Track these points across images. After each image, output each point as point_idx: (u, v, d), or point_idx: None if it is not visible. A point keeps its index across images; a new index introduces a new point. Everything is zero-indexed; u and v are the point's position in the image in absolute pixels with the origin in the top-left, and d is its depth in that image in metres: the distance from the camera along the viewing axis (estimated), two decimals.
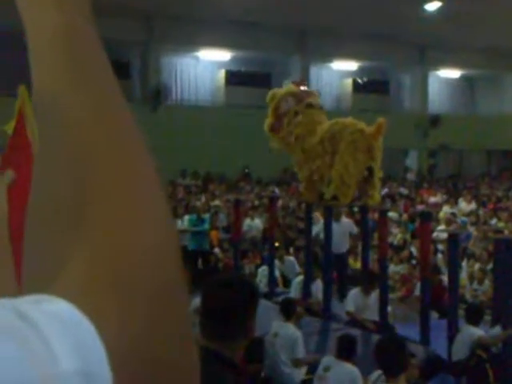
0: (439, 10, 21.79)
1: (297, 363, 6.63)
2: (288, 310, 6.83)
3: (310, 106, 8.60)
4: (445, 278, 9.66)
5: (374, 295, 8.68)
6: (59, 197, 0.50)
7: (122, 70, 20.82)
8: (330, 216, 9.49)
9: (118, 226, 0.49)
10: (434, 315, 8.80)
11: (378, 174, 8.35)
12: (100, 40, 0.57)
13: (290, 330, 6.68)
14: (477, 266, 11.39)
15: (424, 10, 22.12)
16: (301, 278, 9.67)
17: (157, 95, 21.47)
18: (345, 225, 10.62)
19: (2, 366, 0.38)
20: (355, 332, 7.72)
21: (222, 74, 24.81)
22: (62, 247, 0.48)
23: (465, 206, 17.63)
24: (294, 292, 9.36)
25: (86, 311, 0.43)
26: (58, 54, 0.54)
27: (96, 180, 0.50)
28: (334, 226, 9.57)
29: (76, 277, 0.46)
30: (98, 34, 0.57)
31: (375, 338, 8.02)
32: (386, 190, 19.61)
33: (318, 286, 9.27)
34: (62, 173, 0.51)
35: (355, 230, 10.74)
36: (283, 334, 6.63)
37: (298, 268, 10.87)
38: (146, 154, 0.53)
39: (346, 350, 5.91)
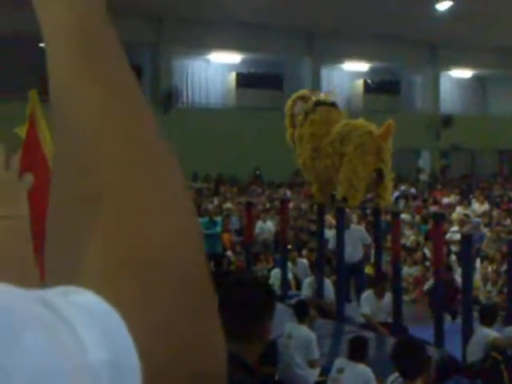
0: (450, 9, 21.72)
1: (312, 364, 6.62)
2: (302, 312, 6.83)
3: (318, 103, 8.56)
4: (458, 279, 9.62)
5: (387, 297, 8.65)
6: (76, 190, 0.50)
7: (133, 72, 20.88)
8: (342, 218, 9.47)
9: (140, 215, 0.49)
10: (448, 317, 8.76)
11: (389, 175, 8.32)
12: (118, 40, 0.57)
13: (304, 331, 6.68)
14: (490, 267, 11.33)
15: (435, 10, 22.05)
16: (311, 278, 9.68)
17: (168, 98, 21.53)
18: (355, 232, 10.33)
19: (31, 356, 0.38)
20: (369, 334, 7.70)
21: (232, 76, 24.84)
22: (82, 239, 0.48)
23: (478, 206, 17.54)
24: (305, 292, 9.37)
25: (111, 301, 0.43)
26: (73, 53, 0.54)
27: (112, 170, 0.50)
28: (344, 233, 9.38)
29: (98, 268, 0.47)
30: (115, 35, 0.57)
31: (389, 340, 8.01)
32: (397, 193, 19.56)
33: (328, 286, 9.29)
34: (78, 167, 0.51)
35: (367, 238, 10.37)
36: (297, 336, 6.62)
37: (309, 270, 10.85)
38: (165, 148, 0.54)
39: (359, 352, 5.91)
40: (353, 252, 9.89)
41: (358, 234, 10.36)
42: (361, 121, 8.51)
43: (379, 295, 8.68)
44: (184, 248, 0.49)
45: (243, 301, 2.37)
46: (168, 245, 0.49)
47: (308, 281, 9.72)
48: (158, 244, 0.48)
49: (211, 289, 0.51)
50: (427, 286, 10.33)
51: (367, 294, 8.83)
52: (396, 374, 5.02)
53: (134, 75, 0.57)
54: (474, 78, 29.59)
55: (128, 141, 0.52)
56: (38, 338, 0.39)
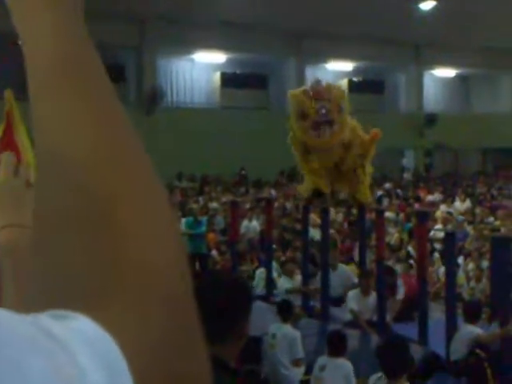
0: (433, 9, 21.86)
1: (296, 363, 6.63)
2: (286, 312, 6.84)
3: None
4: (442, 277, 9.69)
5: (373, 296, 8.69)
6: (66, 207, 0.50)
7: (117, 73, 20.82)
8: (327, 216, 9.53)
9: (135, 240, 0.49)
10: (433, 314, 8.80)
11: (368, 169, 8.36)
12: (100, 62, 0.56)
13: (289, 330, 6.70)
14: (472, 264, 11.42)
15: (418, 10, 22.18)
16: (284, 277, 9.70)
17: (152, 98, 21.47)
18: (342, 274, 9.76)
19: (31, 380, 0.39)
20: (354, 332, 7.73)
21: (217, 76, 24.83)
22: (73, 259, 0.48)
23: (460, 204, 17.67)
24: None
25: (105, 326, 0.44)
26: (58, 82, 0.53)
27: (106, 194, 0.50)
28: (331, 275, 9.09)
29: (92, 291, 0.47)
30: (97, 57, 0.56)
31: (374, 338, 8.05)
32: (380, 192, 19.65)
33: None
34: (68, 185, 0.51)
35: (354, 280, 9.59)
36: (282, 336, 6.64)
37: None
38: (151, 170, 0.54)
39: (337, 347, 5.96)
40: (340, 292, 9.42)
41: (345, 276, 9.80)
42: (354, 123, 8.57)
43: (365, 293, 8.72)
44: (175, 270, 0.50)
45: (219, 301, 2.37)
46: (161, 268, 0.49)
47: (284, 278, 9.74)
48: (152, 268, 0.49)
49: (195, 306, 0.52)
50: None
51: (353, 292, 8.86)
52: (379, 374, 5.05)
53: (110, 76, 0.56)
54: (458, 77, 29.78)
55: (121, 163, 0.52)
56: (36, 362, 0.40)
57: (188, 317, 0.50)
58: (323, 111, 7.50)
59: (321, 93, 7.64)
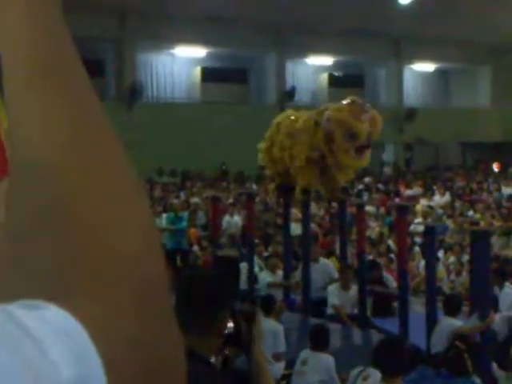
0: (412, 3, 21.95)
1: (276, 357, 6.63)
2: (267, 306, 6.85)
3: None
4: (422, 271, 9.77)
5: (353, 290, 8.74)
6: (41, 201, 0.50)
7: (96, 67, 20.67)
8: (308, 210, 9.57)
9: (102, 229, 0.49)
10: (413, 308, 8.88)
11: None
12: (78, 57, 0.56)
13: (271, 324, 6.70)
14: (453, 258, 11.51)
15: (397, 4, 22.26)
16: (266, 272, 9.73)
17: (132, 92, 21.35)
18: (324, 266, 9.85)
19: None
20: (336, 326, 7.78)
21: (197, 70, 24.76)
22: (44, 251, 0.48)
23: (439, 198, 17.80)
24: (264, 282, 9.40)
25: (76, 316, 0.44)
26: (35, 81, 0.53)
27: (79, 188, 0.50)
28: (312, 268, 9.18)
29: (62, 281, 0.47)
30: (75, 51, 0.55)
31: (356, 332, 8.10)
32: (360, 186, 19.75)
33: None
34: (38, 186, 0.50)
35: (335, 273, 9.68)
36: (264, 329, 6.62)
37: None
38: (128, 168, 0.53)
39: (320, 341, 5.99)
40: (320, 288, 9.39)
41: (326, 269, 9.87)
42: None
43: (345, 287, 8.77)
44: (146, 257, 0.50)
45: (200, 294, 2.38)
46: (132, 257, 0.49)
47: (265, 272, 9.76)
48: (123, 257, 0.49)
49: (170, 297, 0.52)
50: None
51: (334, 287, 8.91)
52: (361, 368, 5.07)
53: (89, 71, 0.56)
54: (437, 71, 29.95)
55: (96, 164, 0.52)
56: (6, 356, 0.39)
57: (160, 305, 0.49)
58: (369, 136, 7.57)
59: (367, 117, 7.64)
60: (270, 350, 6.56)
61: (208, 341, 2.37)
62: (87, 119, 0.53)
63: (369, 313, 8.84)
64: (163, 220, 12.09)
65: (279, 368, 6.70)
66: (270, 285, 9.18)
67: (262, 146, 9.01)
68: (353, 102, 7.86)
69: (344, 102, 7.88)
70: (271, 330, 6.62)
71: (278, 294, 8.63)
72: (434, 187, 19.65)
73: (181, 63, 24.35)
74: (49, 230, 0.49)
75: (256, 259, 10.51)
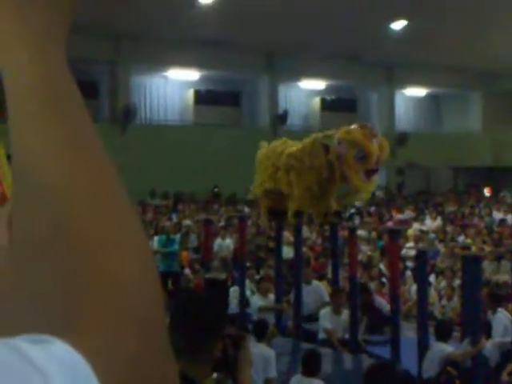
0: (405, 28, 22.18)
1: (268, 382, 6.59)
2: (260, 330, 6.81)
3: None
4: (414, 295, 9.75)
5: (345, 314, 8.72)
6: (39, 232, 0.50)
7: (90, 89, 20.75)
8: (300, 234, 9.57)
9: (103, 254, 0.50)
10: (405, 333, 8.85)
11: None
12: (74, 83, 0.57)
13: (263, 349, 6.65)
14: (444, 282, 11.51)
15: (390, 30, 22.49)
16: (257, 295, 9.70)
17: (126, 115, 21.40)
18: (316, 289, 9.95)
19: None
20: (327, 351, 7.74)
21: (190, 93, 24.87)
22: (45, 283, 0.49)
23: (430, 222, 17.84)
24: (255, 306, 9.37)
25: (78, 349, 0.44)
26: (35, 106, 0.54)
27: (82, 217, 0.51)
28: (305, 290, 9.22)
29: (64, 314, 0.47)
30: (74, 82, 0.57)
31: (347, 357, 8.06)
32: (352, 210, 19.77)
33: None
34: (40, 211, 0.51)
35: (326, 296, 9.77)
36: (256, 354, 6.57)
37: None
38: (121, 191, 0.54)
39: (312, 367, 5.95)
40: (313, 308, 9.50)
41: (318, 291, 9.96)
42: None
43: (337, 311, 8.75)
44: (147, 291, 0.51)
45: (194, 319, 2.39)
46: (132, 283, 0.50)
47: (256, 296, 9.72)
48: (123, 283, 0.49)
49: (166, 325, 0.53)
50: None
51: (325, 311, 8.89)
52: None
53: (83, 93, 0.57)
54: (428, 96, 30.19)
55: (95, 190, 0.53)
56: None
57: (159, 330, 0.50)
58: (379, 160, 7.60)
59: (376, 142, 7.66)
60: (262, 375, 6.52)
61: (200, 365, 2.36)
62: (84, 143, 0.54)
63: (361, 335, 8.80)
64: (155, 243, 12.04)
65: None
66: (260, 309, 9.14)
67: (257, 180, 9.03)
68: (364, 125, 7.93)
69: (353, 126, 7.93)
70: (263, 355, 6.57)
71: (270, 318, 8.59)
72: (426, 211, 19.70)
73: (174, 86, 24.46)
74: (51, 253, 0.49)
75: (248, 283, 10.48)
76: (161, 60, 22.18)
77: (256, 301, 9.51)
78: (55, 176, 0.52)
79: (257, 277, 11.21)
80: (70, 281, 0.48)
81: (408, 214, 19.83)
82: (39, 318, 0.47)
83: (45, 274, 0.49)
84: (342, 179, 7.81)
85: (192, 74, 24.02)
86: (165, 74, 23.88)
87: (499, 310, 8.71)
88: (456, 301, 10.24)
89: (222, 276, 10.22)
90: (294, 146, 8.50)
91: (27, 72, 0.55)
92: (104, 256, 0.50)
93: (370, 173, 7.58)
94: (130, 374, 0.46)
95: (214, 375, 2.77)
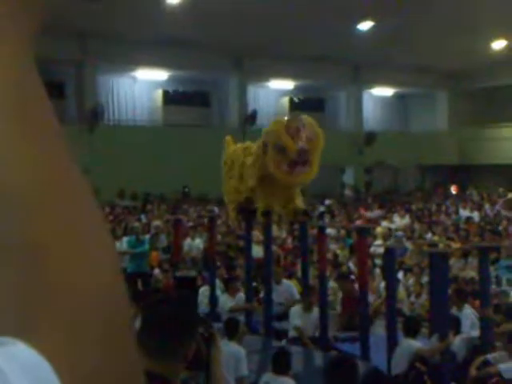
0: (372, 29, 22.36)
1: (240, 381, 6.59)
2: (232, 329, 6.81)
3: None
4: (382, 292, 9.84)
5: (315, 311, 8.77)
6: (4, 235, 0.49)
7: (56, 90, 20.52)
8: (270, 233, 9.60)
9: (68, 265, 0.49)
10: (374, 330, 8.93)
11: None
12: (46, 94, 0.55)
13: (234, 348, 6.64)
14: (412, 279, 11.63)
15: (357, 30, 22.66)
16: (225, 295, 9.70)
17: (93, 115, 21.21)
18: (286, 287, 10.03)
19: None
20: (297, 349, 7.77)
21: (159, 93, 24.75)
22: (3, 284, 0.48)
23: (399, 220, 18.02)
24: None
25: (40, 351, 0.44)
26: (7, 113, 0.52)
27: (46, 224, 0.50)
28: (274, 289, 9.27)
29: (25, 318, 0.47)
30: (43, 89, 0.55)
31: (317, 355, 8.10)
32: (321, 208, 19.89)
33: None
34: (8, 213, 0.50)
35: (296, 295, 9.84)
36: (227, 353, 6.56)
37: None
38: (90, 196, 0.54)
39: (282, 365, 5.97)
40: (283, 310, 9.52)
41: (289, 290, 10.04)
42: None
43: (307, 309, 8.79)
44: (109, 293, 0.50)
45: (169, 318, 2.38)
46: (98, 293, 0.49)
47: (224, 296, 9.71)
48: (85, 292, 0.49)
49: (133, 330, 0.52)
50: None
51: (296, 309, 8.92)
52: None
53: (49, 94, 0.55)
54: (395, 96, 30.49)
55: (58, 188, 0.52)
56: None
57: (124, 336, 0.50)
58: (302, 152, 7.50)
59: (302, 134, 7.55)
60: (233, 373, 6.52)
61: (174, 365, 2.36)
62: (51, 150, 0.53)
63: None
64: (124, 243, 11.97)
65: None
66: (231, 309, 9.13)
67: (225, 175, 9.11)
68: (293, 116, 7.99)
69: (285, 117, 8.01)
70: (234, 353, 6.57)
71: (240, 317, 8.59)
72: (394, 210, 19.90)
73: (142, 86, 24.32)
74: (12, 261, 0.48)
75: (218, 282, 10.47)
76: (128, 60, 22.03)
77: (225, 300, 9.51)
78: (18, 179, 0.50)
79: (226, 276, 11.20)
80: (30, 282, 0.47)
81: (377, 212, 20.01)
82: None
83: (4, 283, 0.48)
84: (265, 170, 7.82)
85: (160, 74, 23.91)
86: (133, 74, 23.73)
87: (465, 306, 8.83)
88: (424, 297, 10.35)
89: (192, 273, 10.20)
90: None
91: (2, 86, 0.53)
92: (67, 256, 0.49)
93: (293, 164, 7.57)
94: (93, 377, 0.46)
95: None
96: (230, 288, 9.67)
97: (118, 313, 0.50)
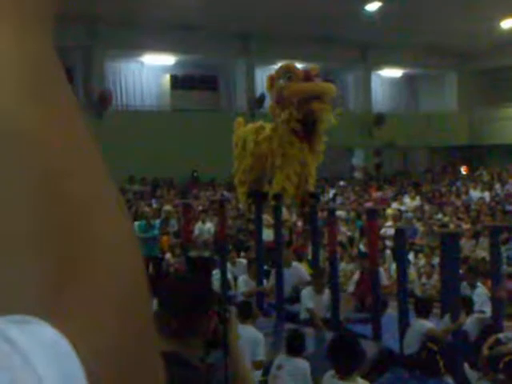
0: (379, 9, 22.18)
1: (255, 365, 6.54)
2: (246, 312, 6.80)
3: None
4: (394, 274, 9.85)
5: (326, 293, 8.79)
6: (19, 220, 0.48)
7: (65, 76, 20.48)
8: (280, 216, 9.60)
9: (83, 242, 0.49)
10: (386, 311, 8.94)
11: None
12: (63, 71, 0.55)
13: (251, 331, 6.63)
14: (423, 260, 11.63)
15: (365, 11, 22.48)
16: (246, 275, 9.71)
17: (102, 101, 21.21)
18: (296, 271, 9.99)
19: None
20: (309, 331, 7.80)
21: (167, 78, 24.70)
22: (23, 262, 0.47)
23: (409, 201, 17.98)
24: (242, 289, 9.39)
25: (59, 328, 0.44)
26: (22, 93, 0.51)
27: (61, 207, 0.48)
28: (285, 272, 9.27)
29: (43, 294, 0.46)
30: (60, 64, 0.55)
31: (329, 336, 8.13)
32: (333, 191, 19.89)
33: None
34: (21, 196, 0.48)
35: (307, 277, 9.79)
36: (245, 337, 6.50)
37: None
38: (105, 169, 0.53)
39: (296, 346, 5.98)
40: (294, 292, 9.53)
41: (298, 273, 10.01)
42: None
43: (319, 291, 8.81)
44: (127, 274, 0.50)
45: (183, 298, 2.40)
46: (112, 272, 0.49)
47: (243, 278, 9.75)
48: (103, 271, 0.48)
49: (151, 308, 0.52)
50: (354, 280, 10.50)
51: (307, 291, 8.95)
52: (332, 371, 5.09)
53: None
54: (404, 77, 30.30)
55: (79, 176, 0.51)
56: None
57: (142, 316, 0.50)
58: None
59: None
60: (250, 357, 6.48)
61: (192, 344, 2.38)
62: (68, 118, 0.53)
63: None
64: (135, 228, 12.01)
65: (256, 375, 6.67)
66: (244, 294, 9.16)
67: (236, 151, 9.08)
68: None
69: None
70: (252, 337, 6.53)
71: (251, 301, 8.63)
72: (404, 191, 19.85)
73: (150, 71, 24.27)
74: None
75: (229, 266, 10.50)
76: (136, 45, 21.98)
77: (245, 281, 9.54)
78: (26, 122, 0.49)
79: (238, 259, 11.24)
80: (49, 263, 0.47)
81: (386, 193, 19.99)
82: (18, 299, 0.46)
83: (17, 250, 0.47)
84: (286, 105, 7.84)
85: (168, 59, 23.85)
86: (140, 59, 23.68)
87: (478, 284, 8.84)
88: (436, 278, 10.35)
89: (206, 254, 10.24)
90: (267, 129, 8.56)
91: (8, 49, 0.52)
92: (90, 227, 0.49)
93: (307, 78, 7.68)
94: (113, 358, 0.46)
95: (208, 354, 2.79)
96: (250, 271, 9.69)
97: (136, 290, 0.50)
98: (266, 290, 9.39)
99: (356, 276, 10.27)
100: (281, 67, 8.23)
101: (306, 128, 7.95)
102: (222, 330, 2.68)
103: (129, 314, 0.48)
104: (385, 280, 9.64)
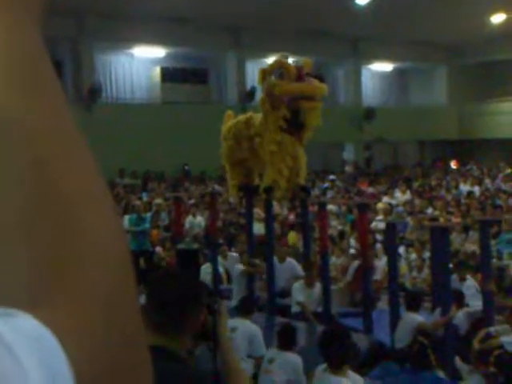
0: (370, 3, 22.17)
1: (257, 361, 6.50)
2: (246, 308, 6.78)
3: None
4: (385, 267, 9.88)
5: (317, 287, 8.80)
6: (8, 209, 0.47)
7: (53, 68, 20.36)
8: (271, 209, 9.60)
9: (71, 239, 0.48)
10: (377, 305, 8.97)
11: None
12: (52, 67, 0.56)
13: (250, 326, 6.61)
14: (414, 254, 11.67)
15: (355, 5, 22.48)
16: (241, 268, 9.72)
17: (91, 94, 21.11)
18: (290, 265, 9.90)
19: None
20: (300, 324, 7.81)
21: (157, 71, 24.59)
22: (10, 257, 0.47)
23: (400, 196, 18.03)
24: (238, 285, 9.38)
25: (47, 324, 0.43)
26: (12, 89, 0.51)
27: (50, 196, 0.48)
28: (279, 267, 9.31)
29: (31, 289, 0.46)
30: (49, 60, 0.56)
31: (320, 329, 8.15)
32: (326, 185, 19.90)
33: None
34: (13, 184, 0.48)
35: (301, 272, 9.65)
36: (243, 330, 6.47)
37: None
38: (94, 162, 0.53)
39: (287, 340, 5.99)
40: (286, 287, 9.48)
41: (292, 268, 9.93)
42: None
43: (309, 284, 8.83)
44: (114, 267, 0.49)
45: (172, 290, 2.39)
46: (99, 266, 0.48)
47: (238, 271, 9.75)
48: (90, 265, 0.48)
49: (138, 303, 0.52)
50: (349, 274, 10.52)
51: (298, 284, 8.96)
52: (324, 365, 5.10)
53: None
54: (395, 71, 30.34)
55: (69, 163, 0.51)
56: None
57: (129, 311, 0.49)
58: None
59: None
60: (247, 351, 6.45)
61: (181, 338, 2.37)
62: (54, 105, 0.54)
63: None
64: (125, 222, 11.99)
65: (249, 369, 6.66)
66: (244, 273, 9.19)
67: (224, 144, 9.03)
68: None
69: None
70: (251, 332, 6.50)
71: None
72: (395, 185, 19.90)
73: (140, 64, 24.17)
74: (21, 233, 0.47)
75: (219, 259, 10.50)
76: (126, 37, 21.87)
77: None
78: (14, 112, 0.50)
79: (229, 253, 11.23)
80: (37, 256, 0.47)
81: (377, 188, 20.03)
82: (5, 290, 0.46)
83: (9, 251, 0.47)
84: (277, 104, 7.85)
85: (158, 52, 23.76)
86: (130, 51, 23.58)
87: (468, 277, 8.88)
88: (426, 272, 10.39)
89: (194, 246, 10.22)
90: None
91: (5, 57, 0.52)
92: (71, 234, 0.48)
93: (299, 79, 7.65)
94: (99, 352, 0.45)
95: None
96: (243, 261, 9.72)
97: (124, 286, 0.50)
98: (257, 270, 9.34)
99: (355, 265, 10.22)
100: (274, 62, 8.24)
101: (296, 125, 7.94)
102: (211, 321, 2.68)
103: (116, 309, 0.48)
104: (378, 274, 9.67)
